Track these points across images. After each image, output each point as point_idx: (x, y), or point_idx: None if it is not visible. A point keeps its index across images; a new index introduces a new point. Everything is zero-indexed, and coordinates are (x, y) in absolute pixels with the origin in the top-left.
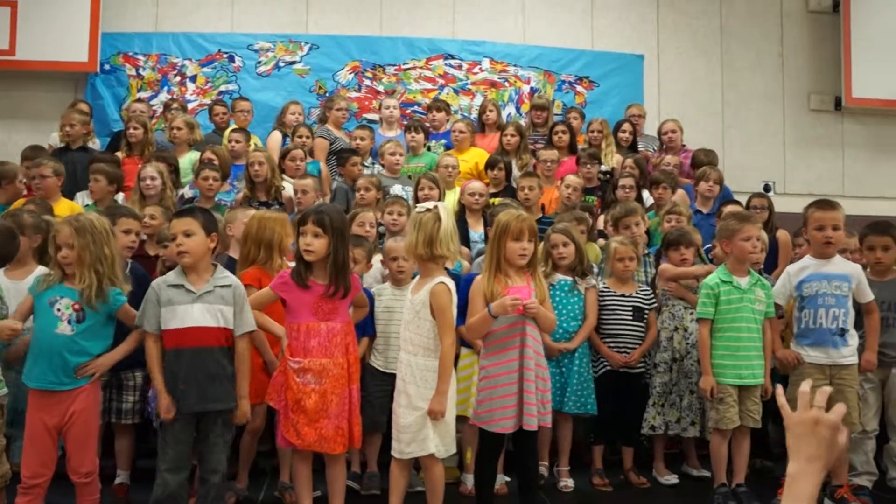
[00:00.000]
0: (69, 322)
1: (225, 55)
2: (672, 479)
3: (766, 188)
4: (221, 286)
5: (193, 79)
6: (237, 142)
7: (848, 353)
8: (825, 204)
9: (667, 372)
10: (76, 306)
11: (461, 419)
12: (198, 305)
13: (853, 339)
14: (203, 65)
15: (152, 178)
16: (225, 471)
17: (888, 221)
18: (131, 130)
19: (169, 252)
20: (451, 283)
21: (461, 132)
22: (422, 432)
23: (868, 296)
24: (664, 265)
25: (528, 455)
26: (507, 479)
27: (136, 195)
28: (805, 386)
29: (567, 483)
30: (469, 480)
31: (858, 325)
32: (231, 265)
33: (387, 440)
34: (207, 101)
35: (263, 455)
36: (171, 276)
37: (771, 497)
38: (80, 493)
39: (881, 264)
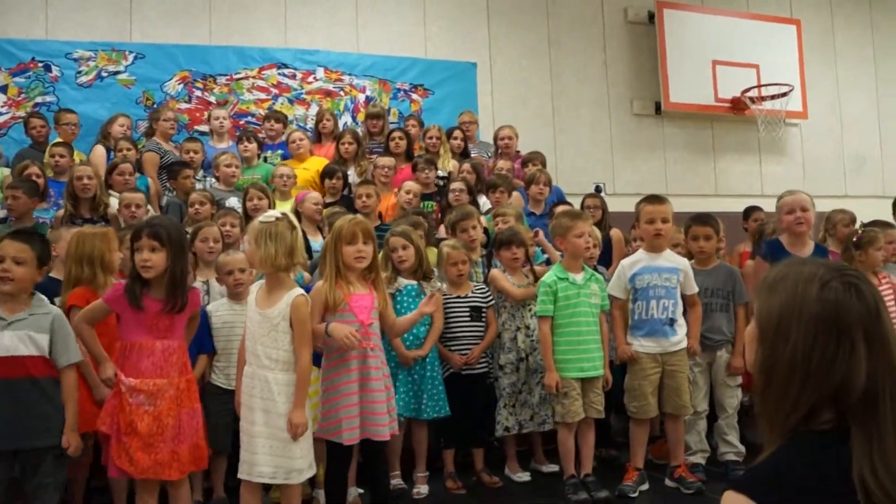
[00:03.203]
0: None
1: (40, 64)
2: (524, 476)
3: (598, 189)
4: (38, 314)
5: (4, 89)
6: (61, 156)
7: (677, 341)
8: (654, 198)
9: (514, 372)
10: None
11: None
12: (8, 333)
13: (681, 328)
14: (14, 74)
15: None
16: None
17: (709, 213)
18: None
19: None
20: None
21: (300, 140)
22: (287, 451)
23: (693, 288)
24: (496, 274)
25: (377, 466)
26: (360, 491)
27: None
28: None
29: (420, 490)
30: (321, 496)
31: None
32: (53, 286)
33: (232, 462)
34: (21, 113)
35: (96, 491)
36: None
37: (617, 483)
38: None
39: (704, 253)
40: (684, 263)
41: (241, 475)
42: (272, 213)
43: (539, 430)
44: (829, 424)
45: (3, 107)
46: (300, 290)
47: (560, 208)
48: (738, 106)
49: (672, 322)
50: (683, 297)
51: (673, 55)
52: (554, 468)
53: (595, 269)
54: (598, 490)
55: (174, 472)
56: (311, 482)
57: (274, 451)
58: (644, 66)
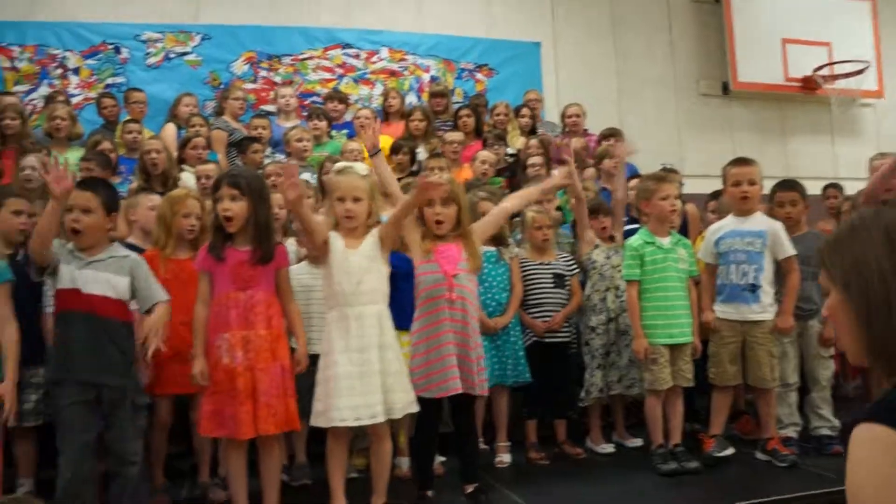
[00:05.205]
0: None
1: (110, 46)
2: (608, 447)
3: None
4: (117, 256)
5: (77, 71)
6: (139, 133)
7: (759, 310)
8: (741, 160)
9: (605, 334)
10: None
11: None
12: (88, 271)
13: (766, 295)
14: (87, 56)
15: (33, 169)
16: (140, 462)
17: (795, 179)
18: (7, 121)
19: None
20: None
21: (366, 118)
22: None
23: (785, 252)
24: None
25: (468, 427)
26: (443, 458)
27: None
28: None
29: (502, 458)
30: (404, 464)
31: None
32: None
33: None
34: (93, 94)
35: (178, 457)
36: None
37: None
38: None
39: (791, 219)
40: (775, 227)
41: (374, 420)
42: (365, 166)
43: (627, 392)
44: None
45: (76, 88)
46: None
47: (636, 181)
48: (809, 85)
49: (754, 288)
50: (778, 263)
51: (741, 33)
52: (637, 442)
53: None
54: (687, 460)
55: (270, 425)
56: (393, 451)
57: (402, 385)
58: (711, 46)
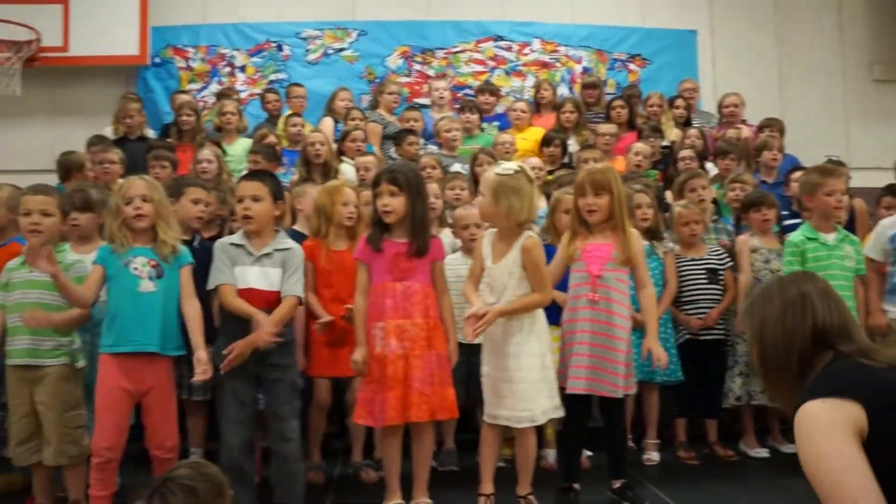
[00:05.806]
0: (150, 279)
1: (273, 44)
2: (762, 452)
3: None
4: (280, 249)
5: (243, 69)
6: (301, 126)
7: None
8: None
9: None
10: (153, 263)
11: None
12: (255, 268)
13: None
14: (252, 55)
15: (209, 161)
16: (298, 440)
17: None
18: (184, 118)
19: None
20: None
21: (522, 111)
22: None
23: None
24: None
25: (614, 425)
26: (590, 453)
27: None
28: None
29: (651, 456)
30: (550, 455)
31: None
32: (298, 239)
33: (464, 414)
34: (258, 90)
35: (333, 436)
36: (235, 237)
37: None
38: (160, 470)
39: None
40: None
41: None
42: (510, 166)
43: (771, 404)
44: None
45: (242, 85)
46: (529, 232)
47: (797, 174)
48: None
49: None
50: None
51: None
52: (793, 449)
53: None
54: None
55: (423, 414)
56: (540, 442)
57: (543, 392)
58: (886, 27)
